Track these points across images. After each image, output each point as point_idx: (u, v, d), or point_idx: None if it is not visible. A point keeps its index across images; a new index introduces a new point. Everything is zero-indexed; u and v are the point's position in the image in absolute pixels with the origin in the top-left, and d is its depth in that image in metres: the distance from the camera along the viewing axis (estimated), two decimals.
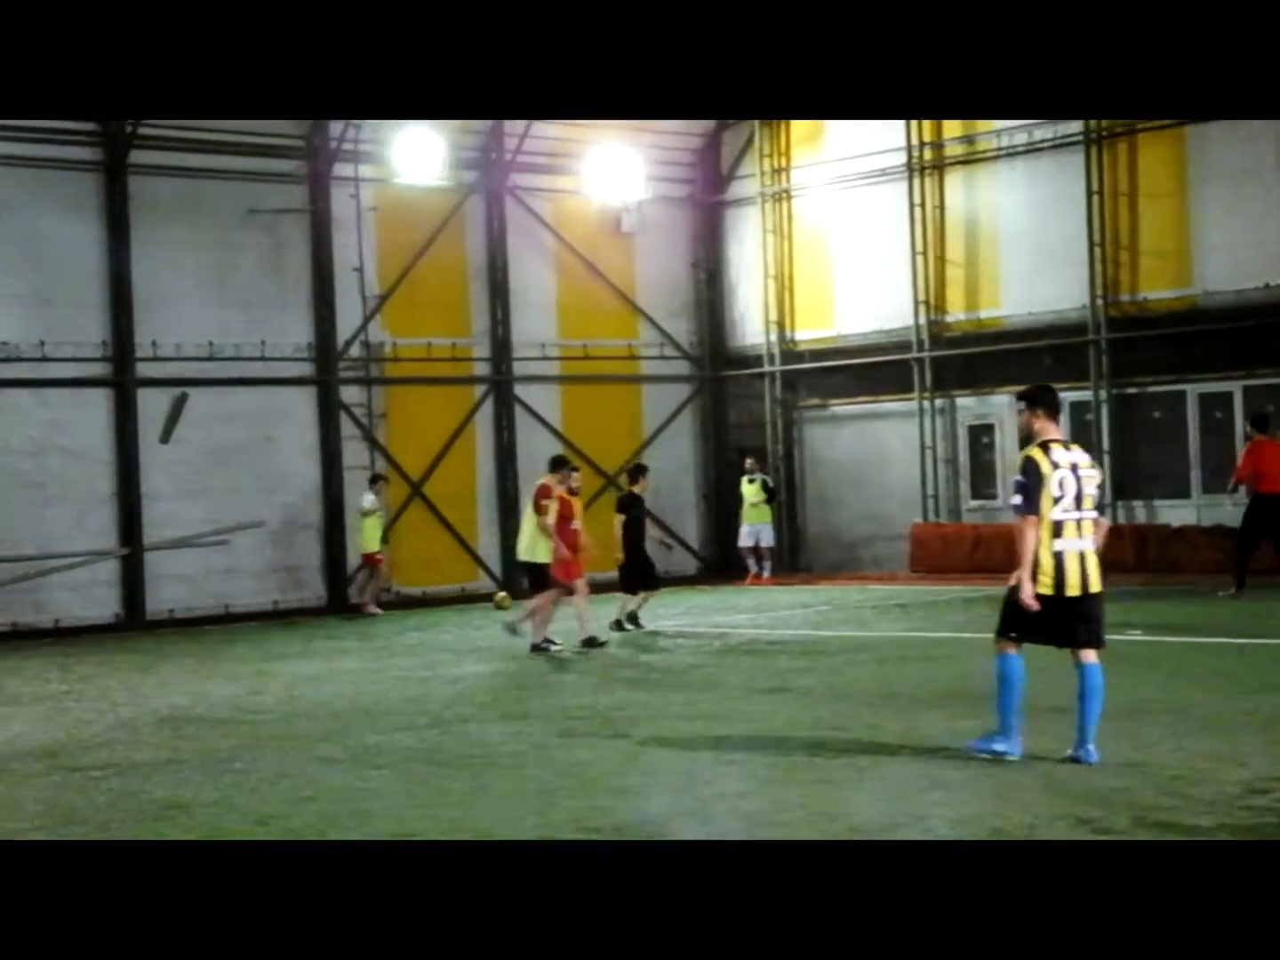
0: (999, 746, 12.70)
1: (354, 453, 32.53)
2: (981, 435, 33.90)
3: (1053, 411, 12.91)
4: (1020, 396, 13.22)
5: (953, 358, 33.93)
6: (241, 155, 31.16)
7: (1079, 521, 12.44)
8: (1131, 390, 31.66)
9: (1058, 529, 12.37)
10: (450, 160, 33.15)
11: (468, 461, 34.12)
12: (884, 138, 34.29)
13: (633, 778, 13.00)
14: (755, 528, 34.10)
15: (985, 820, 10.84)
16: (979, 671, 18.63)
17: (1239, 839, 10.01)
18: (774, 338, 36.70)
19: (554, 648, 22.60)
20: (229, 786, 13.30)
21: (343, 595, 32.04)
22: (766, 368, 36.81)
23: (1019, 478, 12.58)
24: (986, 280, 33.60)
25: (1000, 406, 33.34)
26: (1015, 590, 12.60)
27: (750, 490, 34.20)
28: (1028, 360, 32.65)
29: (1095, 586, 12.48)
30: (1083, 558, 12.42)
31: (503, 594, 28.66)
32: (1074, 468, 12.52)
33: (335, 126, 32.22)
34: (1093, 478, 12.62)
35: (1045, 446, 12.57)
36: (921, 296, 34.14)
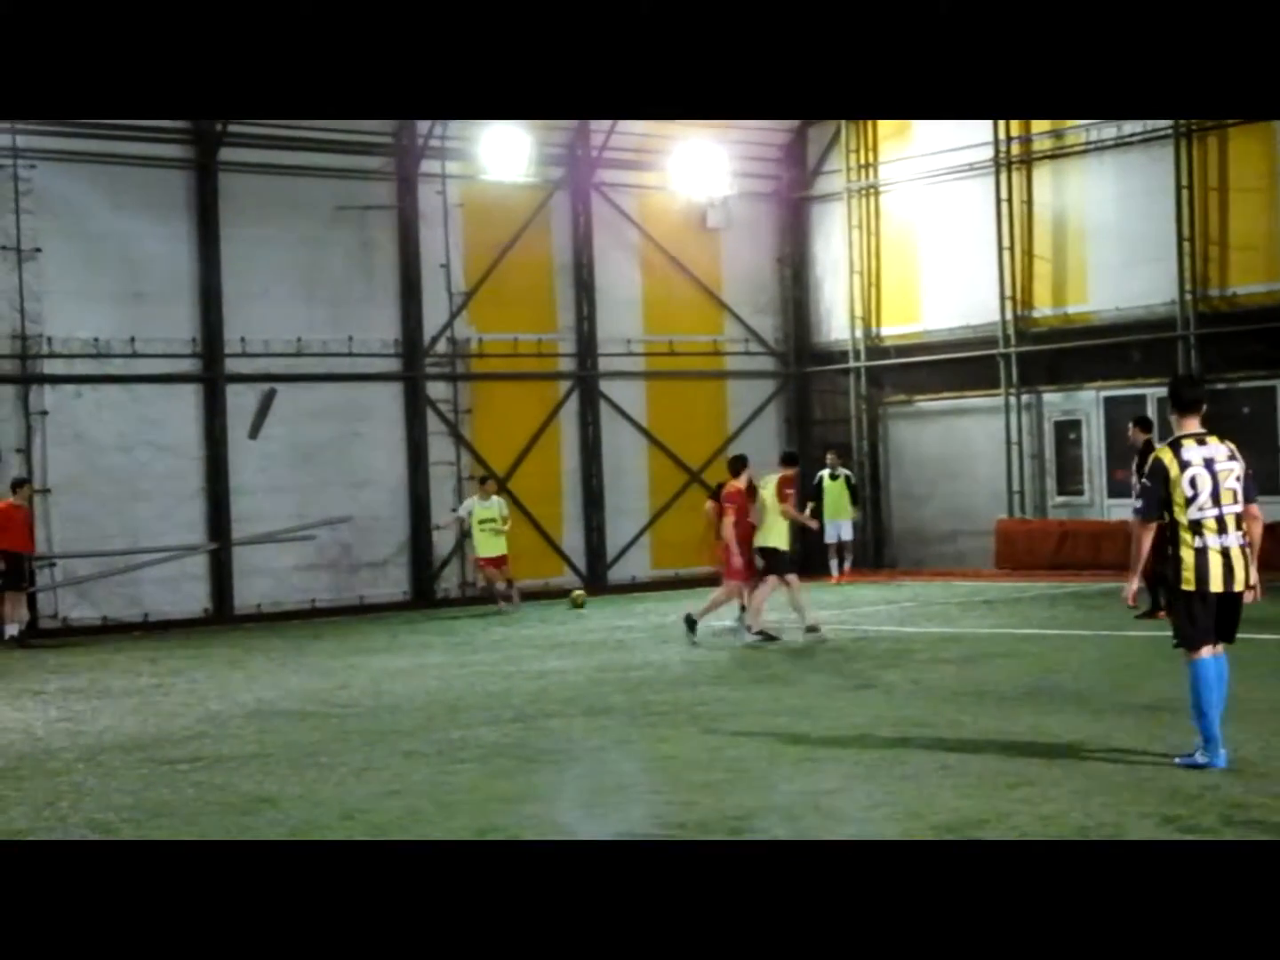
0: (1200, 759, 12.25)
1: (440, 448, 32.65)
2: (1068, 431, 33.70)
3: (1187, 406, 12.49)
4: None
5: (1039, 353, 33.74)
6: (329, 153, 31.33)
7: (1219, 518, 12.13)
8: (1221, 386, 31.36)
9: (1195, 527, 12.10)
10: (536, 157, 33.21)
11: (553, 457, 34.19)
12: (971, 133, 34.12)
13: (716, 773, 13.01)
14: (837, 525, 33.67)
15: (1070, 818, 10.80)
16: (1065, 668, 18.59)
17: None
18: (859, 333, 36.60)
19: (770, 639, 22.57)
20: (315, 780, 13.40)
21: (427, 590, 32.17)
22: (852, 363, 36.72)
23: (1144, 480, 12.46)
24: (1074, 275, 33.40)
25: (1087, 402, 33.18)
26: (1174, 600, 12.47)
27: (833, 487, 33.78)
28: (1115, 356, 32.50)
29: (1240, 584, 12.15)
30: (1226, 554, 12.12)
31: (579, 591, 28.54)
32: (1209, 463, 12.20)
33: (423, 124, 32.33)
34: (1232, 470, 12.27)
35: (1176, 444, 12.26)
36: (1008, 292, 33.97)
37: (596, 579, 33.94)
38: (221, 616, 29.84)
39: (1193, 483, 12.10)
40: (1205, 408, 12.60)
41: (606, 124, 34.29)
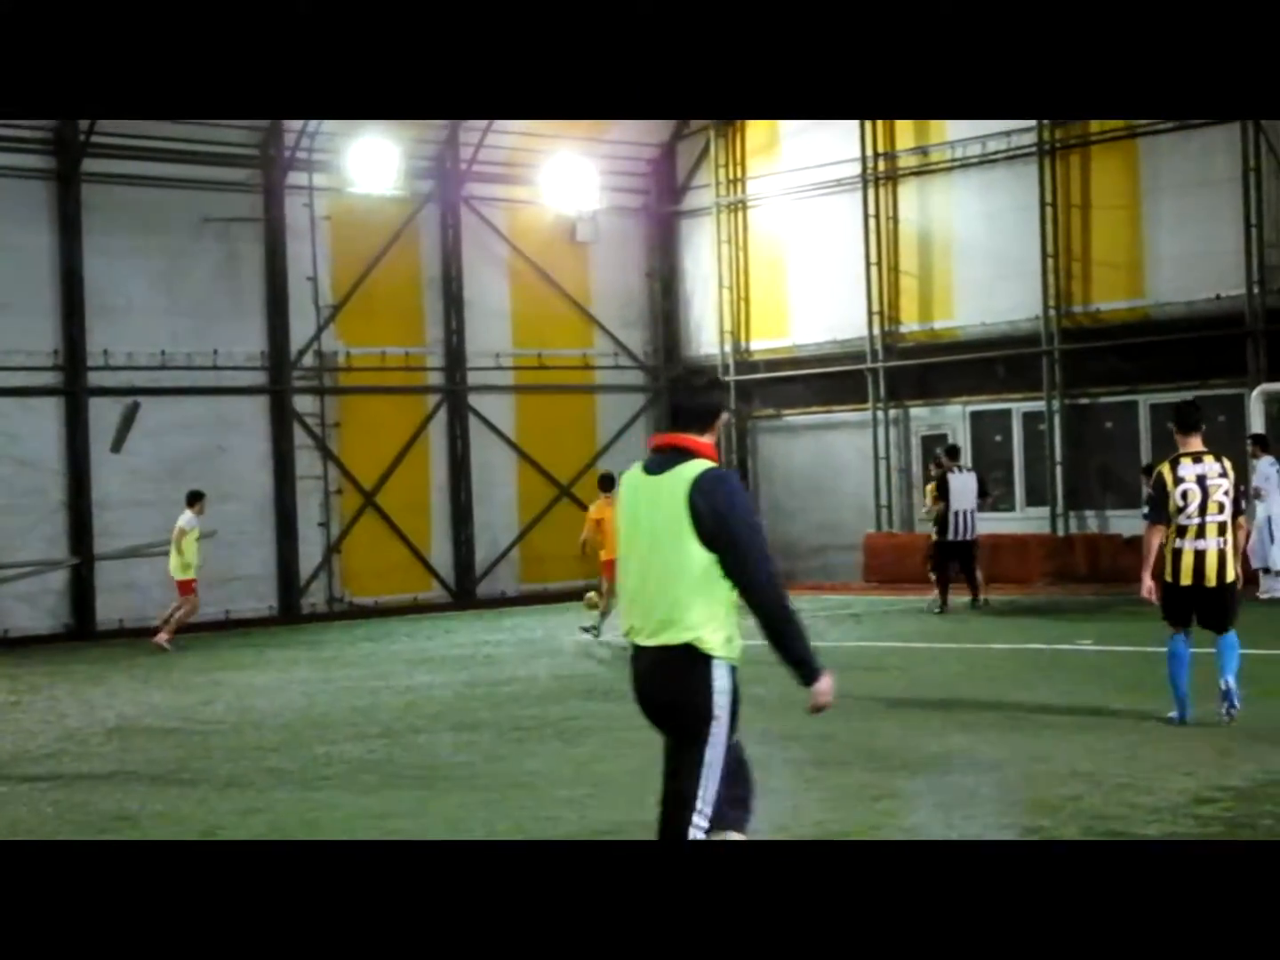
0: (1171, 714, 14.79)
1: (307, 462, 32.43)
2: (935, 445, 33.92)
3: (1189, 427, 14.70)
4: None
5: (907, 368, 33.98)
6: (195, 164, 31.05)
7: (1201, 525, 14.37)
8: (1084, 401, 31.75)
9: (1180, 532, 14.42)
10: (404, 169, 33.07)
11: (421, 471, 34.04)
12: (838, 148, 34.35)
13: (582, 788, 12.97)
14: None
15: (933, 830, 10.84)
16: (930, 681, 18.70)
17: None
18: (729, 348, 36.72)
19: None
20: (177, 798, 13.25)
21: (294, 605, 31.94)
22: (721, 378, 36.80)
23: (1150, 491, 14.86)
24: (940, 291, 33.67)
25: (954, 416, 33.46)
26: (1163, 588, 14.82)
27: None
28: (981, 371, 32.78)
29: (1211, 580, 14.44)
30: (1200, 555, 14.42)
31: (592, 593, 27.32)
32: (1201, 479, 14.44)
33: (289, 135, 32.15)
34: (1219, 486, 14.45)
35: (1175, 461, 14.52)
36: (875, 307, 34.19)
37: (465, 594, 33.81)
38: (83, 633, 29.44)
39: (1184, 496, 14.38)
40: (1204, 428, 14.85)
41: (475, 137, 34.25)
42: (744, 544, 7.59)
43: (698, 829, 7.68)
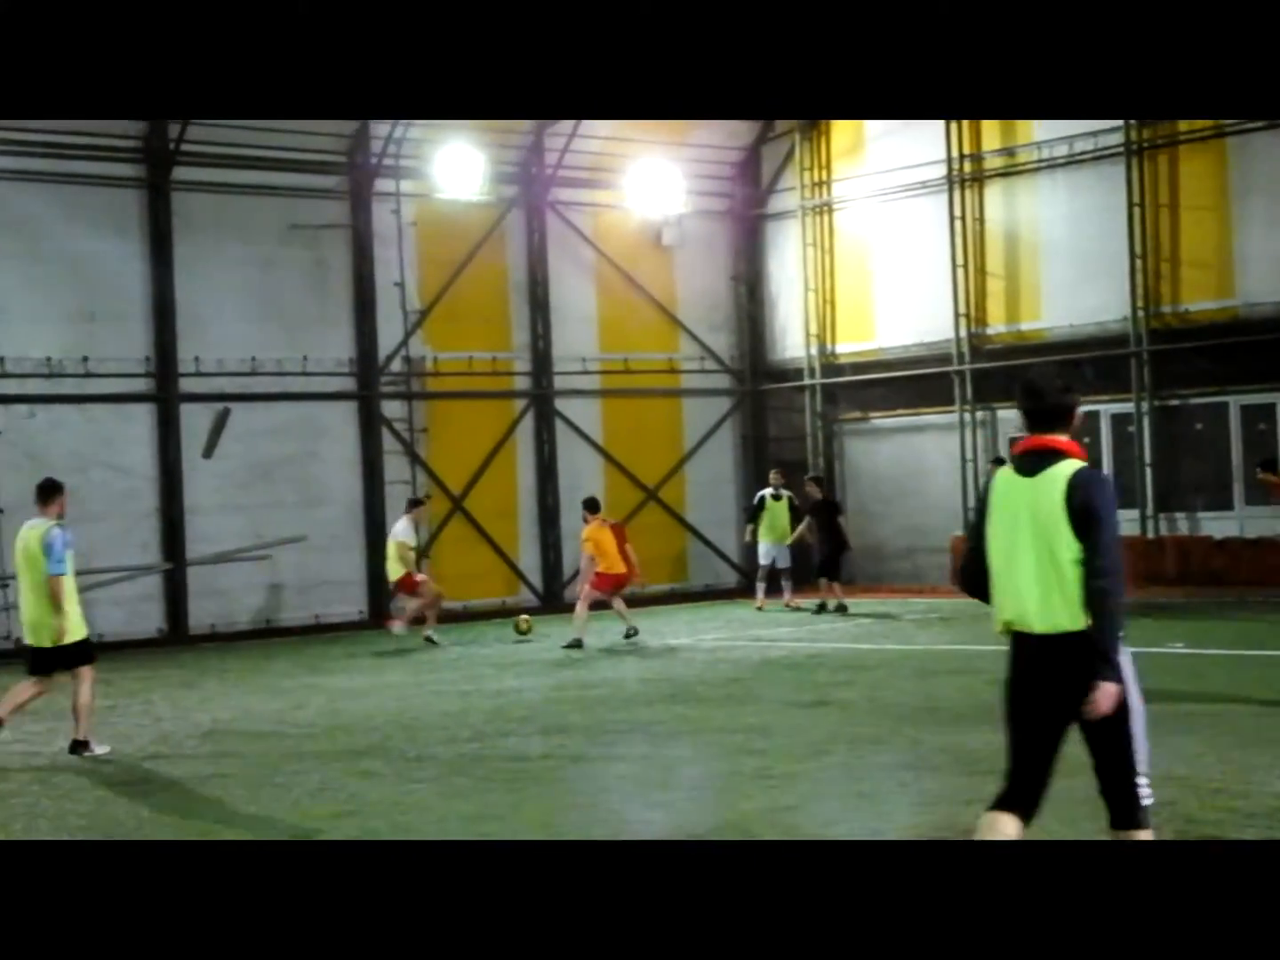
0: None
1: (395, 467, 32.61)
2: None
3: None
4: None
5: (993, 370, 33.82)
6: (284, 171, 31.29)
7: None
8: (1174, 402, 31.56)
9: None
10: (491, 175, 33.19)
11: (508, 476, 34.16)
12: (924, 150, 34.27)
13: (673, 791, 13.01)
14: (775, 548, 31.99)
15: (1025, 833, 10.80)
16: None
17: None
18: (814, 351, 36.68)
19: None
20: (270, 801, 13.36)
21: (384, 609, 32.11)
22: (806, 381, 36.79)
23: None
24: (1027, 292, 33.53)
25: None
26: None
27: (776, 507, 32.03)
28: (1069, 372, 32.58)
29: None
30: None
31: (525, 617, 28.37)
32: None
33: (377, 142, 32.34)
34: None
35: None
36: (962, 309, 34.09)
37: (552, 597, 33.89)
38: (176, 637, 29.71)
39: None
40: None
41: (561, 141, 34.34)
42: (1106, 536, 8.15)
43: (1147, 795, 8.47)
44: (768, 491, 32.51)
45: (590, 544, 26.49)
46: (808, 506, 31.77)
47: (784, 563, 32.28)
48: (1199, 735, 14.37)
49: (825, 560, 30.90)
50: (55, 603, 15.67)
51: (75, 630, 15.94)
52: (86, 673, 16.08)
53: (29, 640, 16.17)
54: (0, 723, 16.44)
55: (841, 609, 29.94)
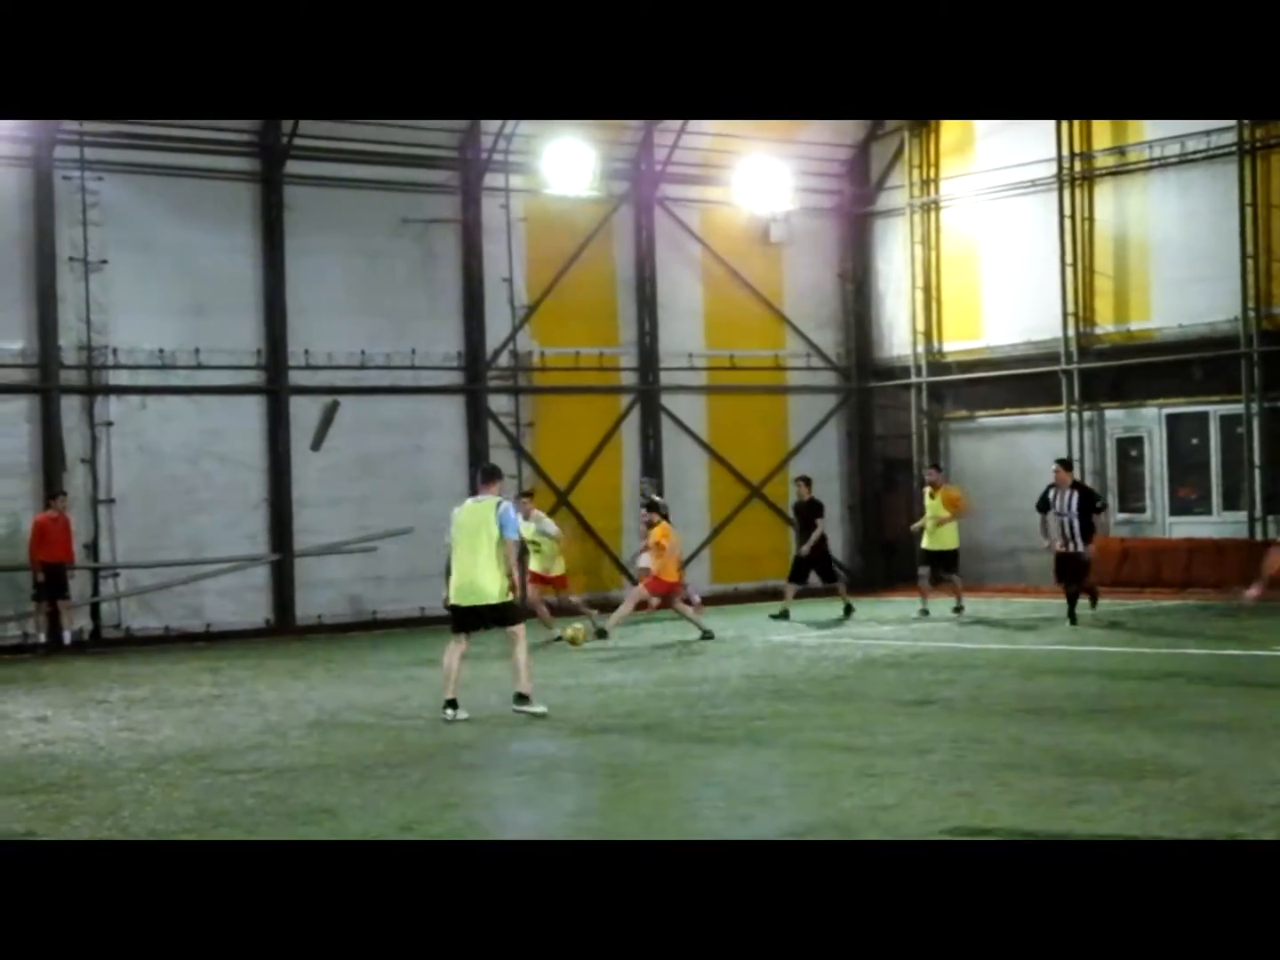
0: None
1: (501, 461, 32.56)
2: (1130, 448, 33.60)
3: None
4: None
5: (1101, 370, 33.65)
6: (394, 165, 31.50)
7: None
8: None
9: None
10: (600, 171, 33.28)
11: (614, 471, 34.25)
12: (1034, 149, 34.09)
13: (774, 789, 13.04)
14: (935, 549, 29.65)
15: (1129, 836, 10.77)
16: (1124, 685, 18.53)
17: None
18: (921, 349, 36.58)
19: None
20: (375, 792, 13.46)
21: None
22: (913, 379, 36.69)
23: None
24: (1136, 292, 33.30)
25: (1149, 419, 33.08)
26: None
27: (932, 505, 29.64)
28: (1178, 373, 32.38)
29: None
30: None
31: (576, 628, 26.85)
32: None
33: (487, 138, 32.49)
34: None
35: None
36: (1070, 308, 33.89)
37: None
38: (283, 627, 29.99)
39: None
40: None
41: (669, 138, 34.39)
42: None
43: None
44: (925, 489, 30.58)
45: (665, 543, 26.13)
46: (795, 507, 31.39)
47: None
48: None
49: (797, 564, 30.18)
50: (508, 564, 17.91)
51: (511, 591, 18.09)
52: (519, 631, 18.03)
53: (461, 601, 18.04)
54: None
55: (784, 615, 29.06)
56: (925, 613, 28.52)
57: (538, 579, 27.20)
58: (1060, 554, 26.46)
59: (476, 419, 32.48)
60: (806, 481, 30.77)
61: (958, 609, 28.50)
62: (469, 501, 18.51)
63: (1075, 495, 26.40)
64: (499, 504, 17.98)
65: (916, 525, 29.93)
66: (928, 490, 29.98)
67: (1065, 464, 27.38)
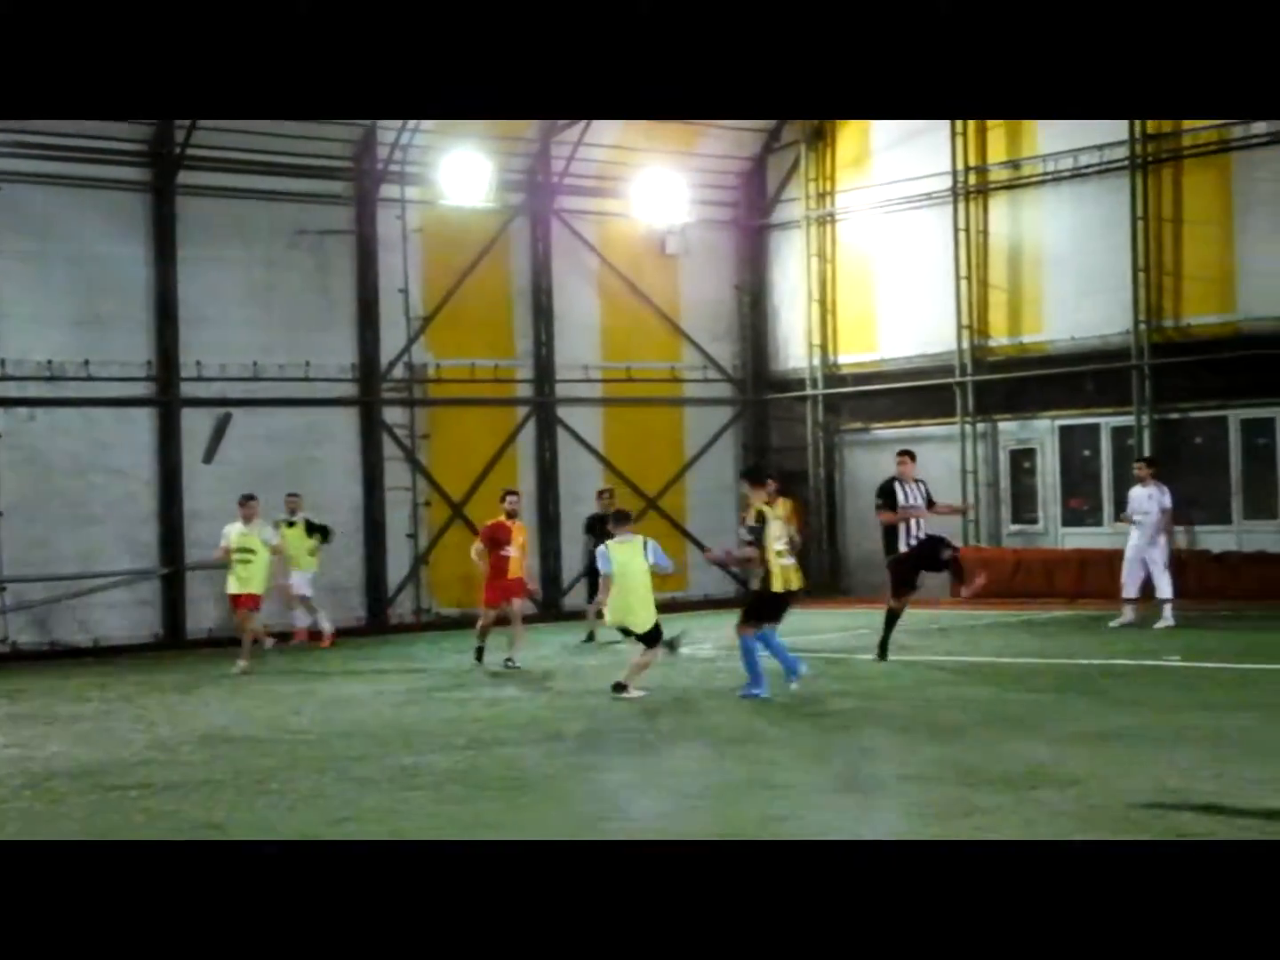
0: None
1: (396, 474, 32.62)
2: (1023, 460, 33.83)
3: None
4: None
5: (995, 382, 33.86)
6: (289, 176, 31.32)
7: None
8: (1174, 416, 31.57)
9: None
10: (496, 182, 33.21)
11: (509, 483, 33.94)
12: (929, 162, 34.30)
13: (668, 800, 12.98)
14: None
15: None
16: (1018, 696, 18.61)
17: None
18: (816, 361, 36.70)
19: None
20: (265, 807, 13.33)
21: (383, 616, 32.11)
22: (809, 391, 36.81)
23: None
24: (1030, 305, 33.54)
25: (1042, 431, 33.32)
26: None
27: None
28: (1070, 385, 32.64)
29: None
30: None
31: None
32: None
33: (383, 148, 32.37)
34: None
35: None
36: (964, 321, 34.11)
37: (552, 605, 33.87)
38: (173, 642, 29.70)
39: None
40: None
41: (566, 150, 34.38)
42: None
43: None
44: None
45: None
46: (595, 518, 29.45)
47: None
48: (1195, 748, 14.35)
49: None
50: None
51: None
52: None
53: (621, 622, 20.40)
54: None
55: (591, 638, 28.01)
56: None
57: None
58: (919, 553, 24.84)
59: (371, 431, 32.32)
60: (610, 494, 29.67)
61: None
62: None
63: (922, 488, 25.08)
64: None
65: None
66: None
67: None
